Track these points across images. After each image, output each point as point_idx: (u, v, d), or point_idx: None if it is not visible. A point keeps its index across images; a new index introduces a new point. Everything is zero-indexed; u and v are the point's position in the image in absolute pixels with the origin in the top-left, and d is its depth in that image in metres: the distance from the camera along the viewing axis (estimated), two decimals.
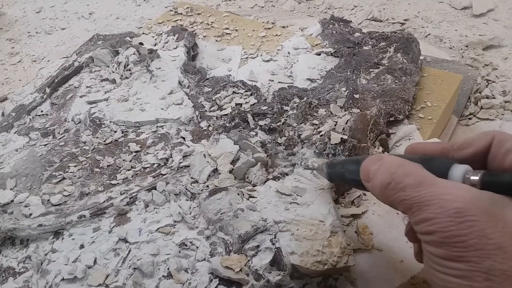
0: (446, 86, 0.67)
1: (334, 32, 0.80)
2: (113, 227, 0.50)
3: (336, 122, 0.57)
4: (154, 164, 0.56)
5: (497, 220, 0.28)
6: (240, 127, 0.58)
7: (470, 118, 0.75)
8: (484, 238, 0.28)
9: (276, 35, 0.82)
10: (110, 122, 0.63)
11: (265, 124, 0.58)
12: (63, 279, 0.45)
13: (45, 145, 0.61)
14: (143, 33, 0.84)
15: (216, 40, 0.82)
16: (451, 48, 0.90)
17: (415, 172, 0.32)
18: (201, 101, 0.66)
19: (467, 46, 0.89)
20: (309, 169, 0.50)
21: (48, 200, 0.53)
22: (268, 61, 0.75)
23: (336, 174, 0.42)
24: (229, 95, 0.66)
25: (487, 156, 0.34)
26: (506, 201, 0.29)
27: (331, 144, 0.53)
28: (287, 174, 0.53)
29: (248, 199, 0.49)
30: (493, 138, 0.33)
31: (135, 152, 0.58)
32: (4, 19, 1.13)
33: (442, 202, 0.29)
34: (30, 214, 0.51)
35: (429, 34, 0.94)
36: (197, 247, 0.47)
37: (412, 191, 0.31)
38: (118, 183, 0.54)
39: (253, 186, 0.52)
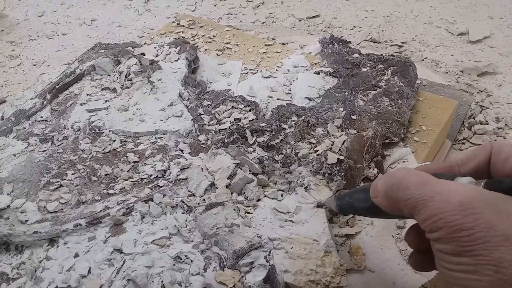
0: (441, 111, 0.69)
1: (333, 51, 0.81)
2: (108, 237, 0.50)
3: (333, 142, 0.58)
4: (151, 175, 0.57)
5: (502, 212, 0.28)
6: (239, 142, 0.59)
7: (463, 143, 0.76)
8: (491, 230, 0.28)
9: (276, 51, 0.84)
10: (109, 131, 0.64)
11: (263, 141, 0.58)
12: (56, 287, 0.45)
13: (43, 151, 0.61)
14: (145, 43, 0.85)
15: (217, 54, 0.83)
16: (446, 72, 0.92)
17: (418, 173, 0.33)
18: (200, 114, 0.66)
19: (462, 72, 0.91)
20: (321, 206, 0.50)
21: (45, 207, 0.53)
22: (267, 77, 0.76)
23: (345, 205, 0.42)
24: (228, 110, 0.67)
25: (489, 166, 0.35)
26: (509, 198, 0.30)
27: (328, 164, 0.54)
28: (283, 192, 0.54)
29: (244, 215, 0.50)
30: (492, 148, 0.35)
31: (133, 162, 0.59)
32: (6, 21, 1.13)
33: (446, 196, 0.30)
34: (26, 221, 0.51)
35: (425, 58, 0.96)
36: (192, 261, 0.47)
37: (415, 189, 0.32)
38: (115, 193, 0.55)
39: (249, 202, 0.52)
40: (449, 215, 0.29)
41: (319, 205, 0.50)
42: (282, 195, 0.53)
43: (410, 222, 0.52)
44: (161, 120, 0.65)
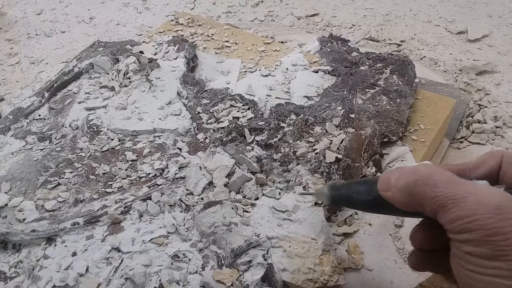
0: (439, 109, 0.69)
1: (332, 50, 0.81)
2: (106, 236, 0.50)
3: (331, 140, 0.58)
4: (149, 174, 0.57)
5: None
6: (237, 141, 0.59)
7: (461, 142, 0.76)
8: None
9: (275, 50, 0.83)
10: (108, 129, 0.63)
11: (261, 140, 0.58)
12: (54, 286, 0.45)
13: (41, 149, 0.61)
14: (143, 42, 0.85)
15: (216, 52, 0.83)
16: (445, 71, 0.92)
17: (444, 171, 0.33)
18: (198, 113, 0.66)
19: (461, 70, 0.91)
20: (306, 194, 0.50)
21: (42, 205, 0.53)
22: (266, 76, 0.76)
23: (341, 197, 0.41)
24: (226, 108, 0.67)
25: (499, 173, 0.35)
26: None
27: (326, 163, 0.54)
28: (281, 190, 0.54)
29: (242, 214, 0.50)
30: (502, 156, 0.35)
31: (131, 161, 0.59)
32: (4, 20, 1.13)
33: (479, 198, 0.29)
34: (24, 219, 0.51)
35: (424, 57, 0.96)
36: (190, 260, 0.47)
37: (445, 186, 0.31)
38: (113, 192, 0.55)
39: (247, 200, 0.52)
40: (485, 218, 0.29)
41: (301, 194, 0.50)
42: (280, 194, 0.53)
43: (408, 221, 0.52)
44: (160, 119, 0.65)
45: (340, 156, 0.55)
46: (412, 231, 0.39)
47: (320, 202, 0.50)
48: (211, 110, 0.67)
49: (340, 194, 0.41)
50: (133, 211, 0.52)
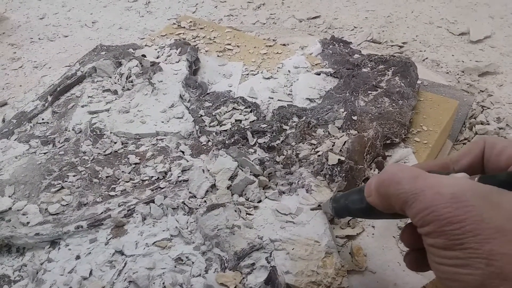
0: (442, 111, 0.68)
1: (334, 52, 0.81)
2: (109, 239, 0.50)
3: (334, 143, 0.58)
4: (152, 177, 0.57)
5: (494, 205, 0.28)
6: (239, 143, 0.59)
7: (464, 143, 0.76)
8: (482, 223, 0.27)
9: (277, 52, 0.84)
10: (111, 133, 0.64)
11: (264, 142, 0.59)
12: None
13: (45, 153, 0.61)
14: (146, 45, 0.85)
15: (218, 55, 0.83)
16: (447, 73, 0.92)
17: (409, 168, 0.33)
18: (201, 116, 0.66)
19: (463, 72, 0.91)
20: (316, 210, 0.50)
21: (46, 209, 0.53)
22: (268, 78, 0.76)
23: (341, 208, 0.42)
24: (229, 111, 0.67)
25: (483, 162, 0.35)
26: (502, 190, 0.29)
27: (329, 165, 0.54)
28: (284, 193, 0.54)
29: (245, 216, 0.50)
30: (484, 143, 0.35)
31: (134, 164, 0.59)
32: (7, 24, 1.14)
33: (437, 188, 0.29)
34: (28, 223, 0.51)
35: (426, 58, 0.96)
36: (193, 263, 0.47)
37: (407, 183, 0.31)
38: (116, 195, 0.55)
39: (250, 203, 0.52)
40: (440, 208, 0.28)
41: (313, 209, 0.50)
42: (278, 188, 0.53)
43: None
44: (162, 122, 0.65)
45: (342, 158, 0.55)
46: (401, 231, 0.39)
47: (328, 215, 0.51)
48: (213, 113, 0.67)
49: (340, 205, 0.42)
50: (136, 214, 0.52)
